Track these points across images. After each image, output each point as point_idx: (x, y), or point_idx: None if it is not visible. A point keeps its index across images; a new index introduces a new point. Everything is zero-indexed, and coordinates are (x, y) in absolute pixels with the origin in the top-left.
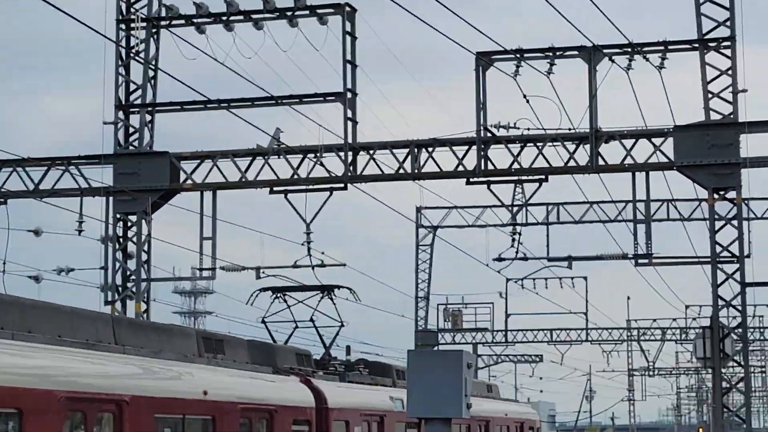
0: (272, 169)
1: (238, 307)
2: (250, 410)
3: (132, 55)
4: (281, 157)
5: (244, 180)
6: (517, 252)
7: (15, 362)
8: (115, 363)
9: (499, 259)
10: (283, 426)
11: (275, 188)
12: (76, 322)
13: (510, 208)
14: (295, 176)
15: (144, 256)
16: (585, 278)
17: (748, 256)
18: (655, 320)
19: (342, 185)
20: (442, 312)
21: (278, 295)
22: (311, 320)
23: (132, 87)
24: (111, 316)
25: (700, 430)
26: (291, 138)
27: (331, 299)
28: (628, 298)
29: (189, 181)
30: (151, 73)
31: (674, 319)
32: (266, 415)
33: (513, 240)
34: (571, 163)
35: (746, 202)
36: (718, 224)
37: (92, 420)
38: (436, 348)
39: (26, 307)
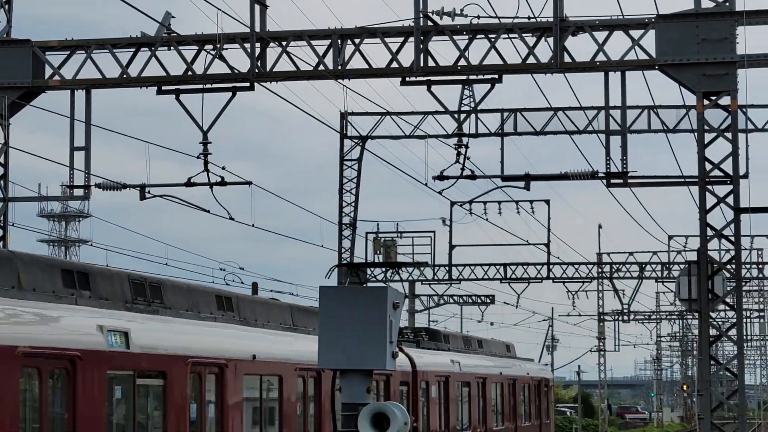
0: (161, 64)
1: (118, 233)
2: (381, 373)
3: None
4: (172, 48)
5: (125, 76)
6: (463, 169)
7: None
8: None
9: (441, 178)
10: (395, 385)
11: (164, 87)
12: None
13: (456, 115)
14: (189, 72)
15: None
16: (547, 202)
17: (744, 177)
18: (631, 254)
19: (247, 84)
20: (372, 242)
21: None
22: None
23: None
24: None
25: (685, 387)
26: (184, 25)
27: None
28: (600, 226)
29: (56, 77)
30: None
31: (655, 253)
32: (384, 377)
33: (458, 154)
34: (531, 60)
35: (743, 109)
36: (708, 137)
37: None
38: (364, 286)
39: None
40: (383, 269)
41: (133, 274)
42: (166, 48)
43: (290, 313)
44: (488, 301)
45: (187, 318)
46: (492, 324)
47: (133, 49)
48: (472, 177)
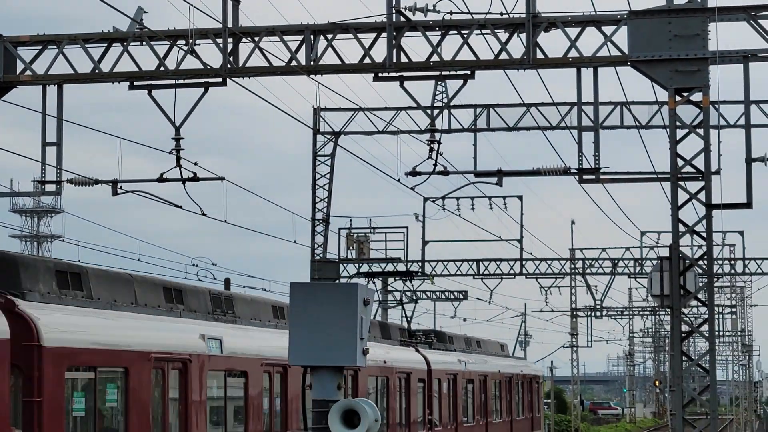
0: (133, 59)
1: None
2: (404, 371)
3: None
4: (144, 43)
5: (97, 72)
6: (435, 165)
7: None
8: None
9: (414, 174)
10: (414, 382)
11: (136, 82)
12: None
13: (428, 111)
14: (162, 68)
15: None
16: (520, 198)
17: (716, 173)
18: (604, 250)
19: (220, 79)
20: (345, 238)
21: None
22: None
23: None
24: None
25: (657, 382)
26: (156, 20)
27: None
28: (572, 222)
29: (28, 73)
30: None
31: (627, 249)
32: (405, 375)
33: (431, 150)
34: (504, 56)
35: (715, 106)
36: (680, 133)
37: None
38: (337, 281)
39: None
40: (356, 264)
41: (212, 290)
42: (138, 43)
43: None
44: (461, 297)
45: (255, 326)
46: (465, 320)
47: (105, 45)
48: (445, 173)
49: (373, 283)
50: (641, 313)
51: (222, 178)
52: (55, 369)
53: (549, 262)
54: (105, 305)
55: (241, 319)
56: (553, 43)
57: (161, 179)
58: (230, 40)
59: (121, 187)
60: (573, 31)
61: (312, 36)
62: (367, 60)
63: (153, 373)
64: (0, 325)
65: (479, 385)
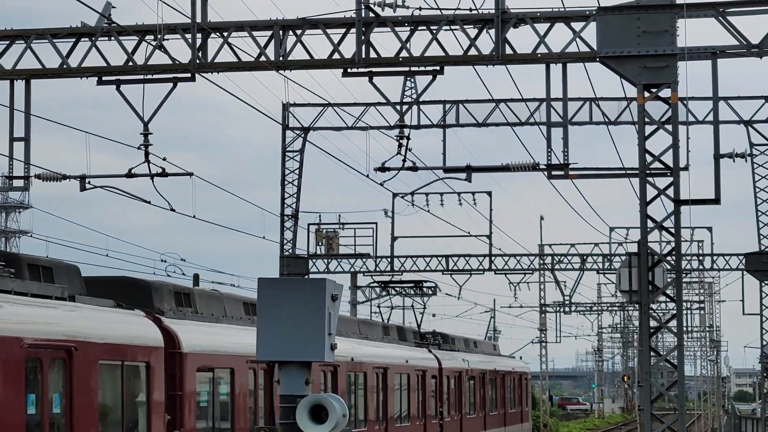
0: (101, 54)
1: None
2: (419, 370)
3: None
4: (112, 38)
5: (65, 67)
6: (404, 160)
7: None
8: None
9: (383, 169)
10: (429, 379)
11: (105, 78)
12: None
13: (397, 107)
14: (130, 63)
15: None
16: (489, 193)
17: (684, 168)
18: (573, 245)
19: (188, 75)
20: (314, 233)
21: None
22: None
23: None
24: None
25: (625, 378)
26: (125, 15)
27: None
28: (541, 218)
29: None
30: None
31: (596, 245)
32: (421, 372)
33: (400, 146)
34: (473, 52)
35: (684, 102)
36: (649, 129)
37: None
38: (306, 277)
39: None
40: (325, 259)
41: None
42: (106, 38)
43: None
44: (430, 292)
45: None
46: (434, 315)
47: (73, 40)
48: (414, 168)
49: (388, 292)
50: (610, 308)
51: (191, 174)
52: (190, 370)
53: (518, 257)
54: (209, 318)
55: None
56: (522, 39)
57: (130, 174)
58: (199, 35)
59: (89, 182)
60: (542, 27)
61: (281, 31)
62: (336, 55)
63: (249, 373)
64: (156, 337)
65: (479, 382)
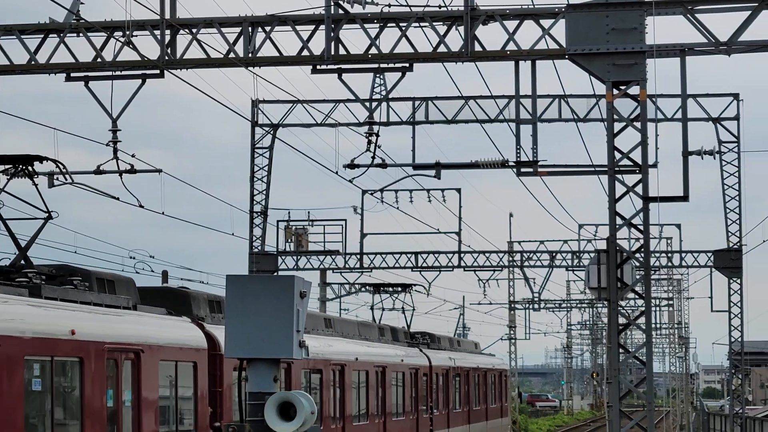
0: (69, 50)
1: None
2: (413, 368)
3: None
4: (80, 35)
5: (33, 63)
6: (374, 157)
7: None
8: None
9: (352, 166)
10: (419, 376)
11: (73, 74)
12: None
13: (367, 104)
14: (99, 59)
15: None
16: (458, 190)
17: (653, 166)
18: (542, 242)
19: (157, 71)
20: (283, 230)
21: None
22: None
23: None
24: None
25: (594, 374)
26: (93, 11)
27: (31, 177)
28: (511, 215)
29: None
30: None
31: (565, 241)
32: (414, 370)
33: (369, 142)
34: (442, 49)
35: (652, 99)
36: (617, 126)
37: None
38: (275, 274)
39: None
40: (295, 256)
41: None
42: (74, 34)
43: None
44: (399, 289)
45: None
46: (384, 309)
47: (42, 36)
48: (383, 165)
49: (380, 295)
50: (579, 305)
51: (159, 171)
52: (228, 369)
53: (487, 254)
54: None
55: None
56: (491, 36)
57: (98, 171)
58: (168, 31)
59: (57, 179)
60: (511, 25)
61: (250, 28)
62: (305, 52)
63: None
64: (200, 340)
65: (464, 379)
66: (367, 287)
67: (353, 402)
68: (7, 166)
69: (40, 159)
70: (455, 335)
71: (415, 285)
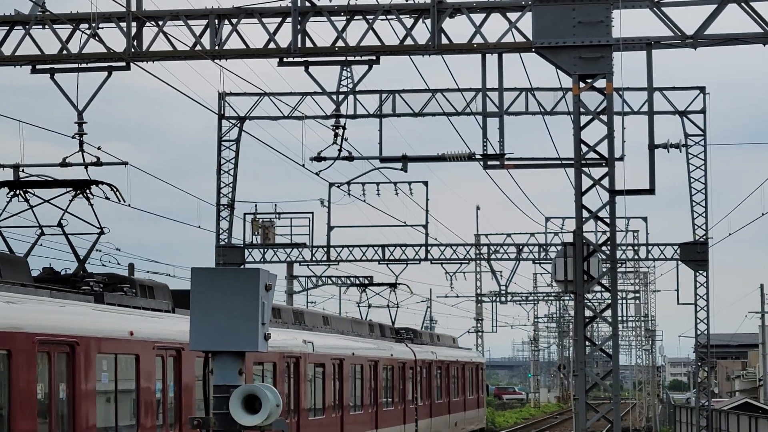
0: (35, 42)
1: None
2: (401, 361)
3: None
4: (46, 27)
5: None
6: (340, 150)
7: None
8: None
9: (319, 159)
10: (405, 370)
11: (39, 66)
12: None
13: (334, 96)
14: (64, 52)
15: None
16: (425, 183)
17: (619, 159)
18: (509, 235)
19: (123, 64)
20: (250, 223)
21: (17, 192)
22: (59, 225)
23: None
24: None
25: (561, 367)
26: (59, 3)
27: (88, 199)
28: (478, 208)
29: None
30: None
31: (532, 234)
32: (401, 364)
33: (336, 135)
34: (409, 42)
35: (619, 92)
36: (584, 119)
37: None
38: (242, 267)
39: None
40: (261, 249)
41: (295, 308)
42: (40, 26)
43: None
44: (366, 282)
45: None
46: (370, 306)
47: (7, 28)
48: (350, 158)
49: (365, 292)
50: (546, 298)
51: (125, 163)
52: (249, 364)
53: (454, 247)
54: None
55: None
56: (458, 29)
57: (64, 164)
58: (134, 24)
59: (23, 171)
60: (478, 17)
61: (216, 20)
62: (272, 45)
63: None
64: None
65: (444, 371)
66: (358, 287)
67: (350, 393)
68: (67, 189)
69: (97, 183)
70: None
71: (399, 284)
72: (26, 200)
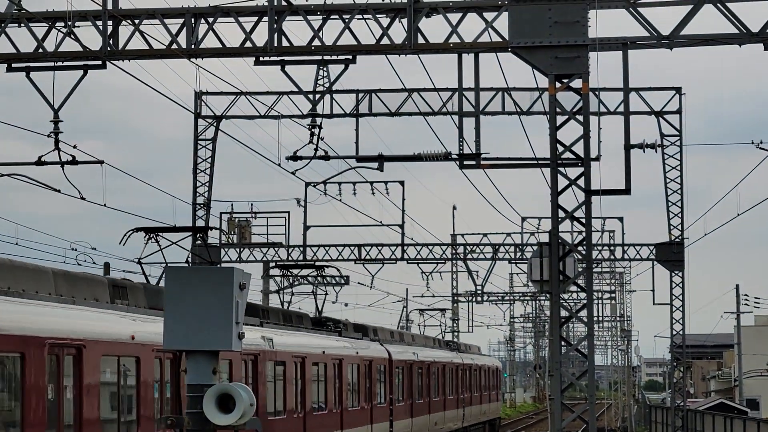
0: (11, 41)
1: None
2: (371, 360)
3: None
4: (22, 25)
5: None
6: (316, 149)
7: None
8: None
9: (295, 158)
10: (379, 369)
11: (14, 64)
12: None
13: (310, 96)
14: (40, 50)
15: None
16: (401, 183)
17: (595, 159)
18: (485, 235)
19: (99, 62)
20: (226, 222)
21: (151, 235)
22: (187, 262)
23: None
24: None
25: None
26: (34, 1)
27: (204, 240)
28: (454, 208)
29: None
30: None
31: (508, 234)
32: (369, 362)
33: (312, 134)
34: (385, 41)
35: (595, 92)
36: (560, 119)
37: None
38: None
39: None
40: (238, 249)
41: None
42: (16, 25)
43: None
44: (343, 281)
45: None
46: (346, 305)
47: None
48: (326, 158)
49: (289, 278)
50: (522, 298)
51: (101, 162)
52: (280, 360)
53: (430, 247)
54: (280, 326)
55: (277, 325)
56: (434, 28)
57: (39, 162)
58: (110, 22)
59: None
60: (454, 17)
61: (193, 19)
62: (248, 44)
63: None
64: (260, 341)
65: (465, 373)
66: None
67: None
68: (188, 234)
69: (213, 228)
70: (398, 328)
71: (326, 267)
72: (157, 242)
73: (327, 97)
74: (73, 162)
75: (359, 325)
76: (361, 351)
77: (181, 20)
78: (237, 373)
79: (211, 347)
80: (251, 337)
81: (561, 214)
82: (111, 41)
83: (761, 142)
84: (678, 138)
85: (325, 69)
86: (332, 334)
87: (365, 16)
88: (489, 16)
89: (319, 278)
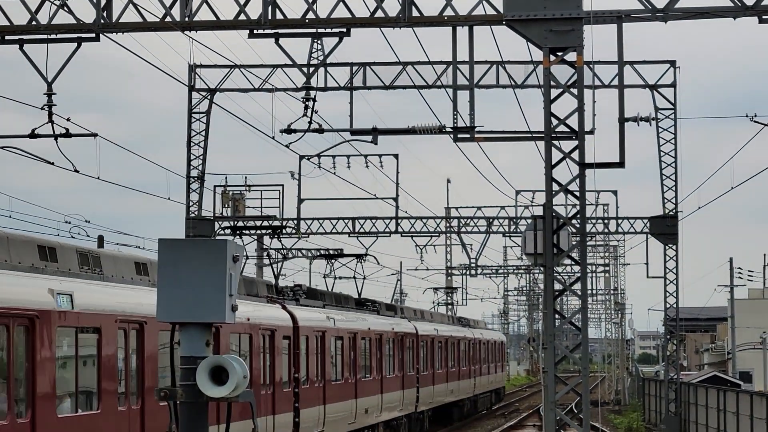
0: (4, 13)
1: None
2: (404, 335)
3: None
4: None
5: None
6: (310, 122)
7: None
8: None
9: (289, 131)
10: (409, 343)
11: (7, 37)
12: None
13: (304, 69)
14: (33, 22)
15: None
16: (396, 156)
17: (590, 132)
18: (479, 208)
19: (93, 35)
20: (220, 195)
21: (331, 261)
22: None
23: None
24: None
25: (531, 340)
26: None
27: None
28: (448, 181)
29: None
30: None
31: (502, 207)
32: (402, 337)
33: (306, 108)
34: (379, 14)
35: (590, 65)
36: (554, 92)
37: None
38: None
39: None
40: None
41: (313, 289)
42: None
43: None
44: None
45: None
46: (339, 278)
47: None
48: (320, 131)
49: (241, 238)
50: (516, 271)
51: (95, 135)
52: (302, 337)
53: (424, 220)
54: (308, 303)
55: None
56: (428, 1)
57: (33, 135)
58: None
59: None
60: None
61: None
62: (242, 17)
63: (317, 334)
64: (287, 317)
65: (474, 346)
66: (327, 259)
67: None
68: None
69: (287, 227)
70: (392, 301)
71: (285, 227)
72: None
73: (321, 70)
74: (67, 135)
75: (389, 304)
76: (396, 327)
77: None
78: (311, 347)
79: (204, 319)
80: (319, 318)
81: (555, 187)
82: (105, 14)
83: (755, 116)
84: (672, 111)
85: (319, 42)
86: (372, 312)
87: None
88: None
89: (312, 251)
